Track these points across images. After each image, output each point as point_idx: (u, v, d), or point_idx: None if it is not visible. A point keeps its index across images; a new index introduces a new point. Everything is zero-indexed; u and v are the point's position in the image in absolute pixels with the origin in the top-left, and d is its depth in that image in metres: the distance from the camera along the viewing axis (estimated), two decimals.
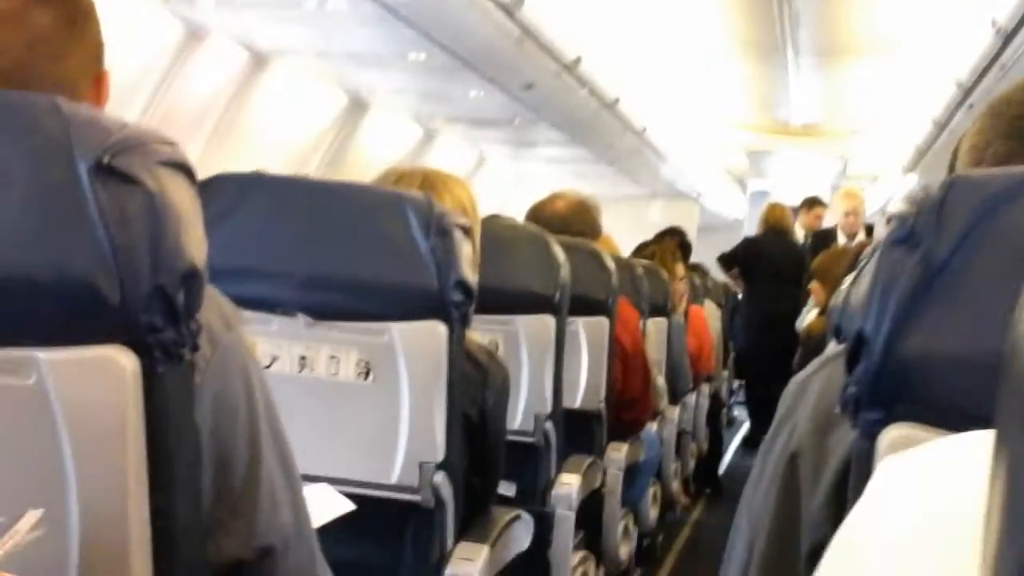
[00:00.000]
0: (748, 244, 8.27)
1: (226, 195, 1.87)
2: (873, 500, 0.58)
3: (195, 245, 1.03)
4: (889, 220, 0.83)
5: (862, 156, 11.17)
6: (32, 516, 0.85)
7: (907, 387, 0.79)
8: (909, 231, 0.80)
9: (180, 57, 4.87)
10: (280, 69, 5.48)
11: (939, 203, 0.79)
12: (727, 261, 8.24)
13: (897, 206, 0.82)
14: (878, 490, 0.58)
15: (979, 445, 0.50)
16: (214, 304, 1.17)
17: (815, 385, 1.03)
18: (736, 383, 9.13)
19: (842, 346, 0.99)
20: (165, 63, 4.85)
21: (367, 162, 6.08)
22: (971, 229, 0.77)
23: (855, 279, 1.14)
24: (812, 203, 8.32)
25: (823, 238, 7.03)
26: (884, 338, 0.79)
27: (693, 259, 7.31)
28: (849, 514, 0.59)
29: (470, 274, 1.89)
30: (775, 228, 7.92)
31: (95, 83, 1.20)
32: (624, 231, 5.00)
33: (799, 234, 8.15)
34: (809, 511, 0.97)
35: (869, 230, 6.89)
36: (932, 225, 0.79)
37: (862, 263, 1.24)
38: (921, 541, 0.52)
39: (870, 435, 0.82)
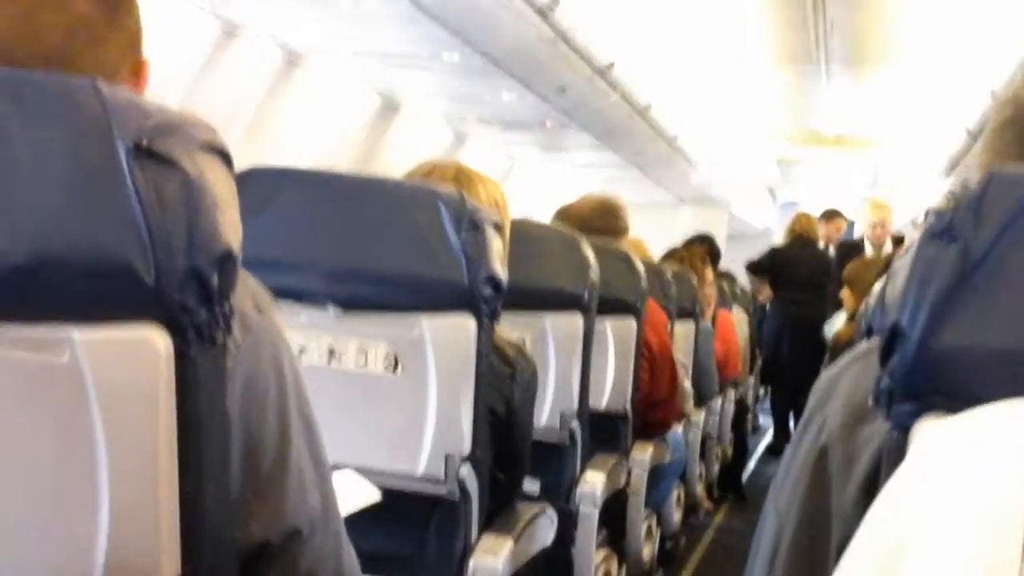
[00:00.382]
0: (775, 253, 8.31)
1: (260, 188, 1.88)
2: (917, 463, 0.57)
3: (231, 228, 1.04)
4: (927, 215, 0.83)
5: (893, 166, 11.11)
6: None
7: (941, 379, 0.79)
8: (947, 225, 0.80)
9: (214, 54, 4.89)
10: (313, 68, 5.50)
11: (978, 197, 0.79)
12: (755, 269, 8.24)
13: (935, 202, 0.82)
14: (921, 453, 0.57)
15: (1016, 410, 0.50)
16: (247, 288, 1.17)
17: (847, 379, 1.03)
18: (762, 390, 9.11)
19: (874, 341, 0.99)
20: (199, 60, 4.88)
21: (397, 163, 6.08)
22: (1010, 223, 0.77)
23: (889, 277, 1.13)
24: (832, 215, 8.31)
25: (850, 248, 6.98)
26: (920, 330, 0.79)
27: (722, 266, 7.31)
28: (890, 480, 0.59)
29: (500, 269, 1.90)
30: (802, 237, 7.96)
31: (134, 71, 1.21)
32: (653, 237, 5.00)
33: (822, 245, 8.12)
34: (840, 505, 0.96)
35: (898, 241, 6.84)
36: (970, 219, 0.78)
37: (896, 262, 1.24)
38: (967, 501, 0.51)
39: (903, 427, 0.82)
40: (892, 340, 0.83)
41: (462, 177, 2.15)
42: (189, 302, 1.00)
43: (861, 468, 0.95)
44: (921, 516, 0.54)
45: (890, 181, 11.64)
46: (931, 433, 0.59)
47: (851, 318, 4.39)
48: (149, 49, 1.23)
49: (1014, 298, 0.77)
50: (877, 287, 1.83)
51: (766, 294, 8.28)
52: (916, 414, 0.80)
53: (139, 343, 0.99)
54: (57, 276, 0.97)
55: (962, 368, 0.78)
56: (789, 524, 1.03)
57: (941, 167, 8.90)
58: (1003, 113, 1.09)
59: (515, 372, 2.13)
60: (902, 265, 0.90)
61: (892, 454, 0.85)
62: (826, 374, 1.07)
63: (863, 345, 1.07)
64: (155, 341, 0.99)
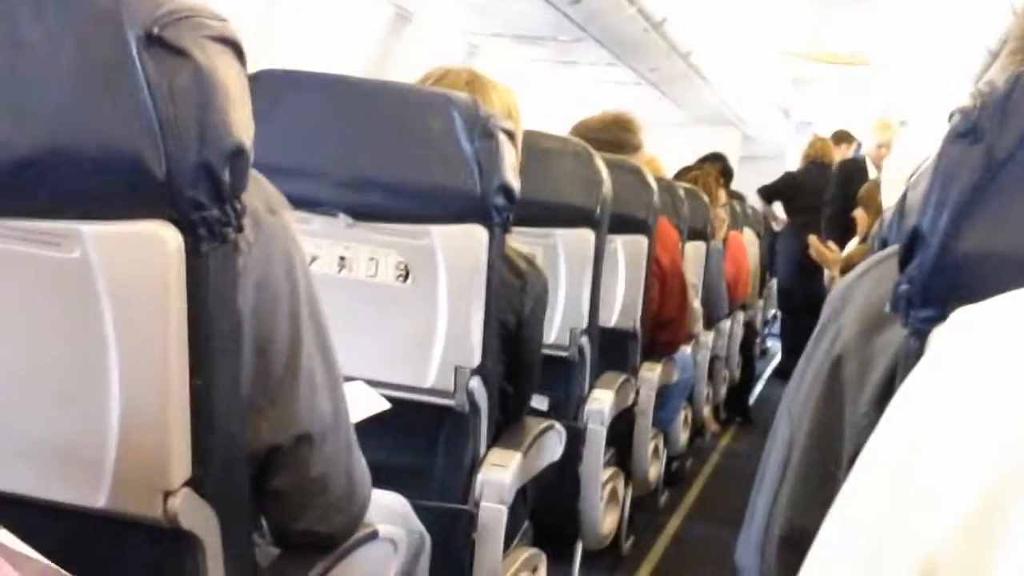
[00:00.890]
0: (790, 177, 8.25)
1: (271, 91, 1.86)
2: (935, 357, 0.56)
3: (242, 123, 1.02)
4: (951, 115, 0.81)
5: (909, 86, 10.98)
6: None
7: (962, 284, 0.77)
8: (972, 125, 0.78)
9: None
10: None
11: (1005, 97, 0.77)
12: (768, 194, 8.19)
13: (960, 100, 0.80)
14: (939, 346, 0.56)
15: None
16: (259, 189, 1.16)
17: (862, 287, 1.01)
18: (772, 312, 9.12)
19: (891, 248, 0.97)
20: None
21: (408, 78, 5.99)
22: None
23: (910, 185, 1.12)
24: (841, 137, 8.22)
25: (851, 169, 6.87)
26: (941, 233, 0.78)
27: (734, 187, 7.27)
28: (908, 376, 0.58)
29: (513, 179, 1.88)
30: (816, 161, 7.89)
31: None
32: (667, 157, 4.95)
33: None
34: (853, 414, 0.96)
35: None
36: (996, 119, 0.76)
37: (918, 168, 1.22)
38: (988, 394, 0.51)
39: (921, 334, 0.81)
40: (912, 244, 0.81)
41: (475, 83, 2.12)
42: (200, 198, 0.99)
43: (876, 376, 0.95)
44: (939, 412, 0.53)
45: (905, 101, 11.52)
46: (956, 320, 0.58)
47: (863, 240, 4.37)
48: None
49: None
50: (890, 205, 1.81)
51: (779, 219, 8.23)
52: (935, 320, 0.79)
53: (149, 239, 0.98)
54: (66, 169, 0.96)
55: (984, 272, 0.77)
56: (801, 432, 1.03)
57: (958, 86, 8.80)
58: None
59: (526, 284, 2.12)
60: (924, 171, 0.88)
61: (909, 361, 0.84)
62: (841, 282, 1.06)
63: (879, 253, 1.06)
64: (165, 237, 0.99)
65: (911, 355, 0.83)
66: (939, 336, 0.58)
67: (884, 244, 1.37)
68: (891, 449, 0.57)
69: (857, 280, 1.04)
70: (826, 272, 4.92)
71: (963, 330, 0.57)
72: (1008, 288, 0.73)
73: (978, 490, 0.49)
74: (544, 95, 8.86)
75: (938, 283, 0.79)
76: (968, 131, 0.78)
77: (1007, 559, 0.46)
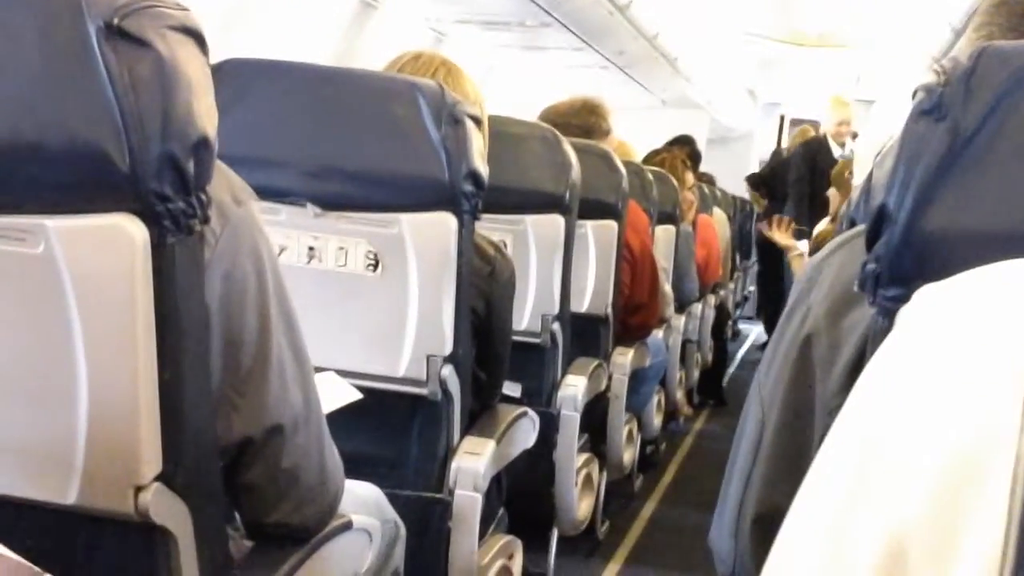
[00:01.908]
0: (775, 162, 8.54)
1: (235, 81, 1.84)
2: (900, 334, 0.57)
3: (206, 113, 1.01)
4: (915, 93, 0.81)
5: (876, 66, 11.02)
6: None
7: (929, 262, 0.78)
8: (936, 102, 0.78)
9: None
10: None
11: (969, 73, 0.77)
12: (755, 182, 8.40)
13: (924, 77, 0.80)
14: (913, 317, 0.56)
15: (1014, 270, 0.49)
16: (224, 179, 1.15)
17: (831, 266, 1.02)
18: (743, 294, 9.17)
19: (859, 227, 0.98)
20: None
21: (375, 66, 5.94)
22: (1000, 100, 0.75)
23: (875, 164, 1.12)
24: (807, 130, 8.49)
25: (815, 148, 6.91)
26: (908, 211, 0.78)
27: (703, 169, 7.29)
28: (875, 354, 0.58)
29: (481, 165, 1.87)
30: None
31: None
32: (636, 140, 4.95)
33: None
34: (824, 393, 0.96)
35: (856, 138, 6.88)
36: (960, 95, 0.76)
37: (883, 147, 1.22)
38: (956, 371, 0.51)
39: (889, 312, 0.81)
40: (879, 223, 0.81)
41: (450, 70, 2.12)
42: (165, 190, 0.98)
43: (846, 355, 0.95)
44: (905, 390, 0.53)
45: (873, 81, 11.56)
46: (921, 297, 0.58)
47: (833, 219, 4.39)
48: None
49: (1004, 178, 0.75)
50: (857, 183, 1.81)
51: (763, 205, 8.42)
52: (903, 298, 0.79)
53: (114, 232, 0.97)
54: (29, 163, 0.95)
55: (950, 250, 0.77)
56: (773, 413, 1.03)
57: (924, 65, 8.83)
58: None
59: (494, 270, 2.12)
60: (889, 149, 0.89)
61: (878, 340, 0.84)
62: (810, 261, 1.06)
63: (847, 232, 1.06)
64: (130, 230, 0.98)
65: (879, 333, 0.83)
66: (904, 314, 0.58)
67: (852, 223, 1.38)
68: (858, 427, 0.57)
69: (825, 260, 1.04)
70: (786, 255, 4.97)
71: (927, 308, 0.57)
72: (975, 264, 0.73)
73: (944, 468, 0.49)
74: (512, 80, 8.84)
75: (905, 261, 0.79)
76: (932, 108, 0.78)
77: (974, 536, 0.46)
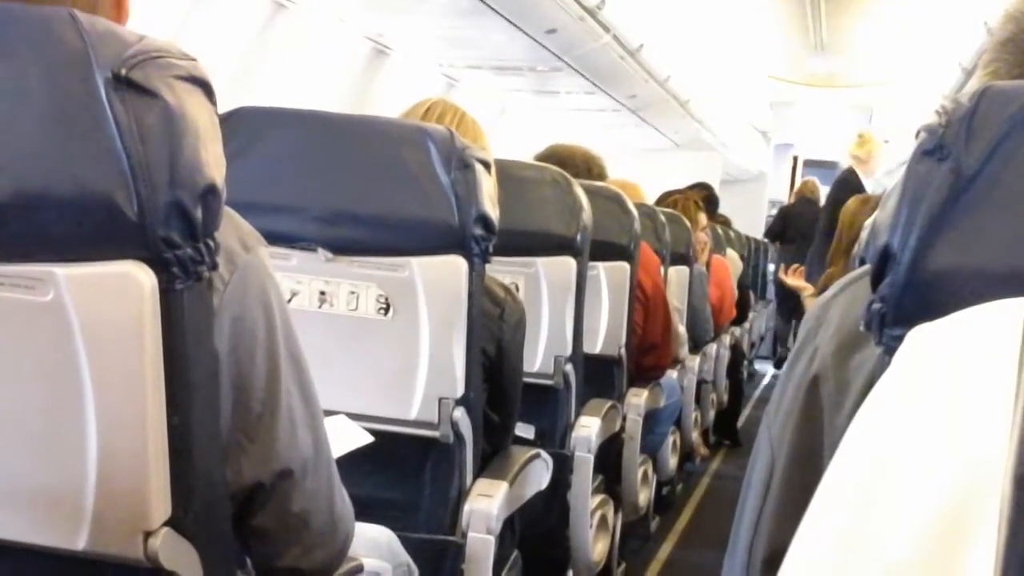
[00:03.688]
0: (781, 212, 9.32)
1: (247, 129, 1.87)
2: (896, 371, 0.57)
3: (213, 161, 1.02)
4: (918, 133, 0.81)
5: (888, 106, 11.06)
6: None
7: (934, 302, 0.77)
8: (938, 142, 0.78)
9: (198, 1, 4.83)
10: (300, 13, 5.43)
11: (970, 113, 0.77)
12: (771, 235, 9.04)
13: (922, 118, 0.81)
14: (905, 358, 0.57)
15: (1004, 310, 0.49)
16: (233, 226, 1.16)
17: (838, 307, 1.01)
18: (758, 335, 9.15)
19: (865, 267, 0.98)
20: (183, 6, 4.82)
21: (389, 112, 5.97)
22: (1003, 140, 0.75)
23: (880, 204, 1.12)
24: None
25: (848, 180, 6.83)
26: (911, 251, 0.78)
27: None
28: (872, 391, 0.58)
29: (491, 209, 1.88)
30: (805, 196, 8.93)
31: (116, 2, 1.18)
32: (648, 182, 4.97)
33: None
34: (832, 433, 0.96)
35: None
36: (962, 136, 0.77)
37: (887, 188, 1.22)
38: (949, 408, 0.51)
39: (895, 352, 0.81)
40: (883, 263, 0.81)
41: (457, 118, 2.14)
42: (173, 237, 0.99)
43: (853, 395, 0.95)
44: (905, 425, 0.53)
45: (885, 121, 11.59)
46: (913, 338, 0.58)
47: (832, 261, 4.39)
48: None
49: (1008, 217, 0.75)
50: (868, 222, 1.81)
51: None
52: None
53: (123, 279, 0.98)
54: (38, 212, 0.95)
55: (955, 289, 0.76)
56: (782, 454, 1.02)
57: (936, 105, 8.84)
58: (1003, 31, 1.07)
59: (504, 312, 2.12)
60: (893, 189, 0.89)
61: None
62: (817, 301, 1.06)
63: (853, 273, 1.06)
64: (139, 277, 0.98)
65: None
66: (899, 354, 0.58)
67: (862, 263, 1.38)
68: (853, 467, 0.57)
69: (832, 300, 1.04)
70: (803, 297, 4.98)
71: (921, 347, 0.57)
72: (979, 304, 0.73)
73: (938, 507, 0.49)
74: (524, 124, 8.89)
75: (910, 301, 0.79)
76: (934, 148, 0.78)
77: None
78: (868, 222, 1.76)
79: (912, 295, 0.79)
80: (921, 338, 0.57)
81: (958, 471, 0.49)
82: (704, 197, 5.91)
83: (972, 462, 0.48)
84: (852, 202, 4.24)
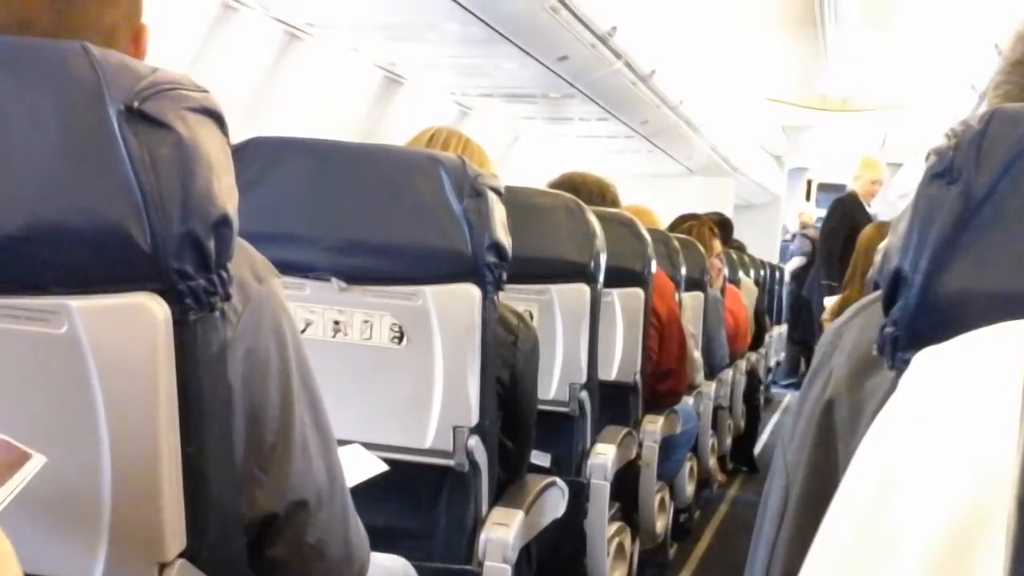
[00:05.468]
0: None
1: (259, 159, 1.87)
2: (905, 392, 0.56)
3: (226, 193, 1.03)
4: (928, 156, 0.81)
5: (901, 129, 11.06)
6: (38, 461, 0.84)
7: (945, 325, 0.77)
8: (948, 165, 0.78)
9: (212, 32, 4.87)
10: (313, 44, 5.47)
11: (980, 135, 0.77)
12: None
13: (935, 141, 0.81)
14: (909, 382, 0.56)
15: (1010, 332, 0.49)
16: (246, 257, 1.16)
17: (851, 331, 1.01)
18: (775, 360, 9.13)
19: (879, 291, 0.97)
20: (197, 37, 4.85)
21: (401, 141, 5.98)
22: (1012, 162, 0.75)
23: (892, 228, 1.12)
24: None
25: (848, 203, 6.77)
26: (923, 274, 0.78)
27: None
28: (881, 412, 0.58)
29: (504, 236, 1.88)
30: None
31: (133, 37, 1.20)
32: (662, 208, 4.97)
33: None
34: (846, 457, 0.95)
35: None
36: (972, 158, 0.76)
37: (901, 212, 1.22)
38: (958, 429, 0.51)
39: None
40: (895, 286, 0.81)
41: (461, 145, 2.15)
42: (186, 268, 1.00)
43: (867, 419, 0.94)
44: (912, 446, 0.53)
45: (899, 144, 11.59)
46: (919, 362, 0.58)
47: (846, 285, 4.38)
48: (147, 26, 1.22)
49: (1018, 240, 0.75)
50: (882, 246, 1.81)
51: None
52: None
53: (136, 311, 0.99)
54: (52, 245, 0.96)
55: (966, 311, 0.76)
56: (797, 479, 1.02)
57: (946, 128, 8.83)
58: (1013, 53, 1.07)
59: (517, 339, 2.12)
60: (904, 212, 0.89)
61: None
62: (831, 326, 1.06)
63: (868, 297, 1.06)
64: (152, 308, 0.99)
65: None
66: (906, 376, 0.58)
67: (876, 287, 1.37)
68: (861, 487, 0.57)
69: (846, 324, 1.04)
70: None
71: (927, 370, 0.57)
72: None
73: (945, 527, 0.49)
74: (537, 150, 8.91)
75: (922, 324, 0.78)
76: (944, 171, 0.78)
77: None
78: (881, 246, 1.76)
79: (924, 318, 0.78)
80: (928, 360, 0.57)
81: (965, 491, 0.49)
82: (718, 222, 5.91)
83: (978, 482, 0.48)
84: (868, 228, 4.24)
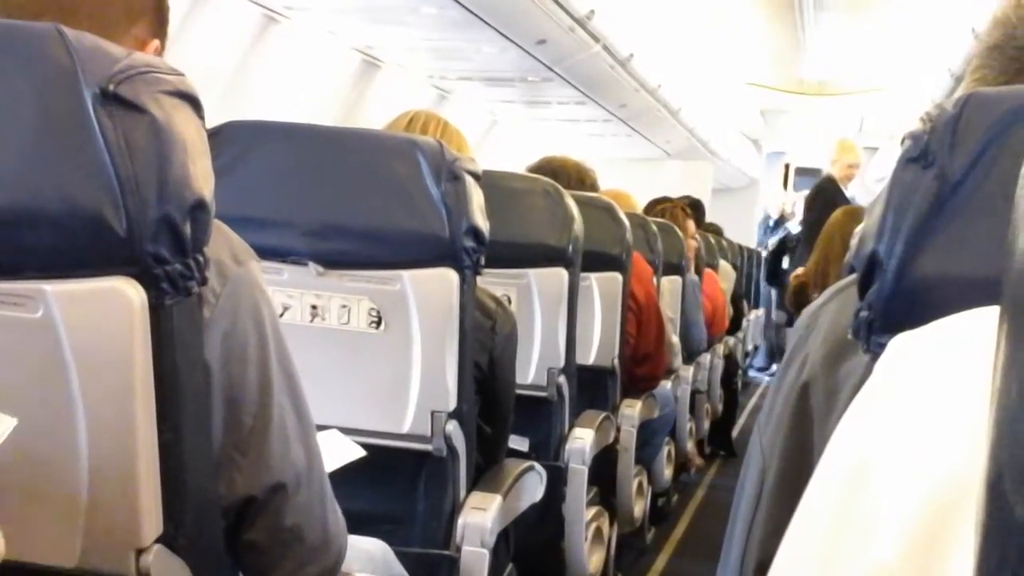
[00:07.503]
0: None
1: (236, 143, 1.86)
2: (880, 376, 0.57)
3: (202, 176, 1.02)
4: (903, 140, 0.81)
5: (879, 113, 11.09)
6: (8, 423, 0.84)
7: (920, 309, 0.77)
8: (923, 149, 0.78)
9: (189, 14, 4.84)
10: (291, 27, 5.44)
11: (955, 119, 0.77)
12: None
13: (911, 125, 0.81)
14: (884, 366, 0.57)
15: (983, 318, 0.50)
16: (224, 239, 1.16)
17: (827, 314, 1.01)
18: (752, 345, 9.16)
19: (855, 275, 0.98)
20: (174, 20, 4.82)
21: (380, 124, 5.95)
22: (987, 146, 0.76)
23: (867, 211, 1.12)
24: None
25: (827, 187, 6.78)
26: (897, 259, 0.78)
27: (710, 219, 7.32)
28: (856, 396, 0.58)
29: (481, 220, 1.88)
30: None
31: (140, 45, 1.19)
32: (639, 192, 4.97)
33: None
34: (822, 440, 0.95)
35: None
36: (947, 142, 0.77)
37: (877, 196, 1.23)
38: (933, 412, 0.51)
39: None
40: (870, 270, 0.82)
41: (439, 129, 2.15)
42: (162, 252, 0.99)
43: (842, 403, 0.94)
44: (886, 430, 0.54)
45: (876, 128, 11.62)
46: (894, 346, 0.58)
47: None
48: None
49: (992, 223, 0.75)
50: (858, 230, 1.81)
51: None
52: None
53: (112, 295, 0.98)
54: (27, 229, 0.96)
55: (941, 296, 0.77)
56: (773, 462, 1.02)
57: (924, 112, 8.87)
58: (990, 37, 1.07)
59: (495, 324, 2.12)
60: (879, 196, 0.89)
61: None
62: (807, 310, 1.06)
63: (843, 280, 1.06)
64: (128, 293, 0.98)
65: None
66: (881, 361, 0.59)
67: (852, 270, 1.38)
68: (836, 471, 0.57)
69: (822, 307, 1.04)
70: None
71: (901, 355, 0.57)
72: (965, 310, 0.73)
73: (919, 510, 0.49)
74: (515, 134, 8.90)
75: (897, 308, 0.79)
76: (919, 155, 0.78)
77: None
78: (858, 230, 1.76)
79: (899, 302, 0.79)
80: (902, 345, 0.58)
81: (938, 475, 0.49)
82: (691, 204, 5.91)
83: (951, 466, 0.49)
84: (838, 212, 4.24)
